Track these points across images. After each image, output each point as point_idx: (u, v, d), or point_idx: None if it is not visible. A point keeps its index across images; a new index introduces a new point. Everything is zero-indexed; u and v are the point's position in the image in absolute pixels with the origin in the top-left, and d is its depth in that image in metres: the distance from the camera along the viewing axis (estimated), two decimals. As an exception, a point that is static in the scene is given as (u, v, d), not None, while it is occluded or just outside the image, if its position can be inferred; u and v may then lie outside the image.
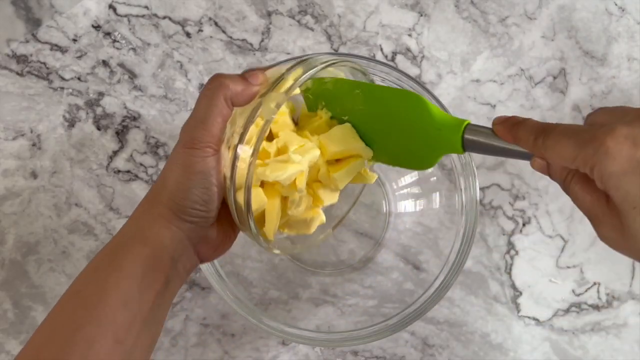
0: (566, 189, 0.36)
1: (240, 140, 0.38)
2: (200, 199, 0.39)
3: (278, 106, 0.38)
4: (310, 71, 0.39)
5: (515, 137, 0.36)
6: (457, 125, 0.38)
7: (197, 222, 0.40)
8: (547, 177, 0.63)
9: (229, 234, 0.44)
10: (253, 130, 0.38)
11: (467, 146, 0.39)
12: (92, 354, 0.36)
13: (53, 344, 0.36)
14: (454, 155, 0.55)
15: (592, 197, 0.34)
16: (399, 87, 0.48)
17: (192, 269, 0.42)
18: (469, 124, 0.38)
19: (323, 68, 0.40)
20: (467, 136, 0.38)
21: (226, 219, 0.42)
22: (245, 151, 0.38)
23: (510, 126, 0.36)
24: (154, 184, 0.41)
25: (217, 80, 0.39)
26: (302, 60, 0.40)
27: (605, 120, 0.33)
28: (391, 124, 0.43)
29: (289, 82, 0.39)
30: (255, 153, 0.38)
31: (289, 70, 0.40)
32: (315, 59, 0.41)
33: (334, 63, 0.41)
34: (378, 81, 0.55)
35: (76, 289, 0.39)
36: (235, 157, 0.38)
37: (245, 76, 0.39)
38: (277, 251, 0.45)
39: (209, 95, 0.38)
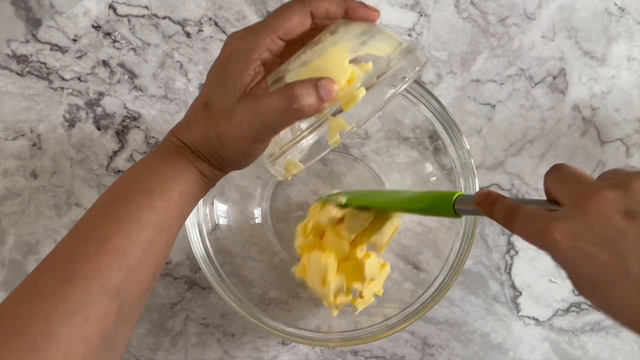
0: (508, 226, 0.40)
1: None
2: (241, 167, 0.42)
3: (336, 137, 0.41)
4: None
5: (492, 215, 0.39)
6: (449, 199, 0.44)
7: (223, 173, 0.43)
8: (547, 177, 0.64)
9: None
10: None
11: (459, 212, 0.44)
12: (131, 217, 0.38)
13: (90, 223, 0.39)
14: (454, 155, 0.55)
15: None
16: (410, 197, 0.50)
17: (214, 184, 0.44)
18: (458, 196, 0.44)
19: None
20: (457, 207, 0.43)
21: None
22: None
23: (487, 205, 0.40)
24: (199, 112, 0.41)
25: (300, 90, 0.38)
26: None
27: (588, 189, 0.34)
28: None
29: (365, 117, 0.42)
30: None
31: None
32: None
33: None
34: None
35: (107, 193, 0.41)
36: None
37: (320, 93, 0.38)
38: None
39: (283, 112, 0.38)
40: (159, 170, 0.40)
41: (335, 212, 0.52)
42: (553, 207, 0.35)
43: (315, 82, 0.38)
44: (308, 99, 0.38)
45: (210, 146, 0.41)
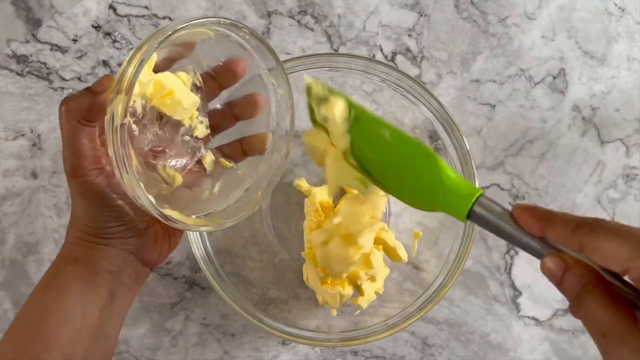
0: (579, 302, 0.31)
1: (116, 163, 0.37)
2: (109, 217, 0.39)
3: (125, 107, 0.36)
4: (146, 50, 0.37)
5: (546, 227, 0.32)
6: (468, 196, 0.35)
7: (123, 236, 0.40)
8: (548, 178, 0.64)
9: (164, 234, 0.43)
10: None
11: (473, 218, 0.35)
12: None
13: None
14: (454, 155, 0.55)
15: (615, 313, 0.30)
16: (415, 139, 0.43)
17: (143, 277, 0.43)
18: (481, 195, 0.35)
19: (162, 41, 0.37)
20: (477, 210, 0.35)
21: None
22: (121, 175, 0.37)
23: (539, 215, 0.32)
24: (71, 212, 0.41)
25: (63, 106, 0.38)
26: (144, 41, 0.38)
27: None
28: (400, 168, 0.41)
29: (128, 73, 0.36)
30: (125, 167, 0.36)
31: (130, 59, 0.37)
32: (161, 30, 0.38)
33: (180, 29, 0.38)
34: (378, 81, 0.55)
35: (22, 313, 0.40)
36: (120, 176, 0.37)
37: (90, 87, 0.38)
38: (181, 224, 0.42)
39: (63, 124, 0.38)
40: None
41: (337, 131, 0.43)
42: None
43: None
44: (74, 102, 0.38)
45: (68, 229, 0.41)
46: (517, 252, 0.62)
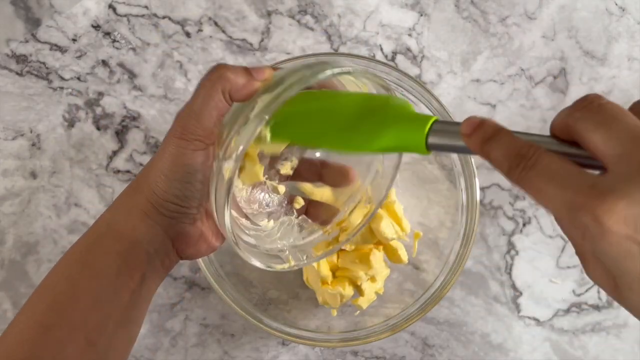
0: (537, 158, 0.28)
1: (225, 155, 0.36)
2: (181, 193, 0.37)
3: (271, 111, 0.34)
4: (307, 79, 0.35)
5: (487, 155, 0.29)
6: (422, 122, 0.33)
7: (176, 217, 0.38)
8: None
9: (210, 236, 0.41)
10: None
11: (431, 148, 0.33)
12: (62, 358, 0.35)
13: (22, 346, 0.35)
14: (454, 155, 0.55)
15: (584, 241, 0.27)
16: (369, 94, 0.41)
17: (172, 266, 0.41)
18: (435, 121, 0.33)
19: (335, 75, 0.35)
20: (431, 140, 0.33)
21: (213, 221, 0.40)
22: (226, 167, 0.36)
23: (481, 140, 0.30)
24: (142, 169, 0.39)
25: (219, 72, 0.36)
26: (318, 63, 0.36)
27: (612, 153, 0.26)
28: (350, 120, 0.38)
29: (286, 85, 0.35)
30: (233, 170, 0.35)
31: (294, 71, 0.36)
32: (333, 62, 0.36)
33: (352, 72, 0.36)
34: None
35: (47, 285, 0.37)
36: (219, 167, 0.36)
37: (249, 70, 0.37)
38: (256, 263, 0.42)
39: (208, 87, 0.36)
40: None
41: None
42: (589, 163, 0.26)
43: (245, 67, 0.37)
44: (232, 74, 0.36)
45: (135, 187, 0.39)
46: (517, 253, 0.62)
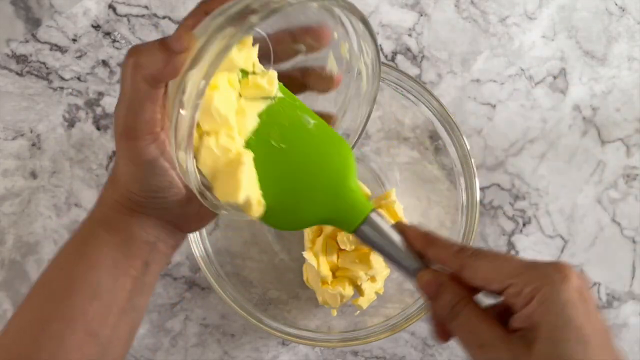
0: (454, 315, 0.32)
1: (176, 143, 0.32)
2: (157, 187, 0.35)
3: (200, 94, 0.30)
4: (242, 29, 0.30)
5: (429, 245, 0.34)
6: (363, 209, 0.34)
7: (166, 206, 0.36)
8: (548, 178, 0.64)
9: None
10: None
11: (358, 232, 0.35)
12: (62, 351, 0.34)
13: (21, 342, 0.35)
14: (454, 155, 0.55)
15: (490, 323, 0.31)
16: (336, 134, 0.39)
17: (179, 243, 0.39)
18: (373, 210, 0.35)
19: (265, 17, 0.30)
20: (364, 228, 0.34)
21: None
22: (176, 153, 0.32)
23: (422, 234, 0.34)
24: (110, 174, 0.37)
25: (132, 59, 0.32)
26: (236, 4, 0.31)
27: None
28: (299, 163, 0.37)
29: (212, 52, 0.30)
30: (188, 149, 0.32)
31: (217, 29, 0.31)
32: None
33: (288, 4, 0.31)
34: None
35: (44, 280, 0.37)
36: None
37: (167, 42, 0.32)
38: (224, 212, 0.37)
39: (126, 79, 0.32)
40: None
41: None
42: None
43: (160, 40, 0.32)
44: (146, 58, 0.32)
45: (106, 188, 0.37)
46: (517, 253, 0.62)
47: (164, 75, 0.32)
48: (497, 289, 0.31)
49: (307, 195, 0.36)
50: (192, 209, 0.38)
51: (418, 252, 0.34)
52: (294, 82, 0.40)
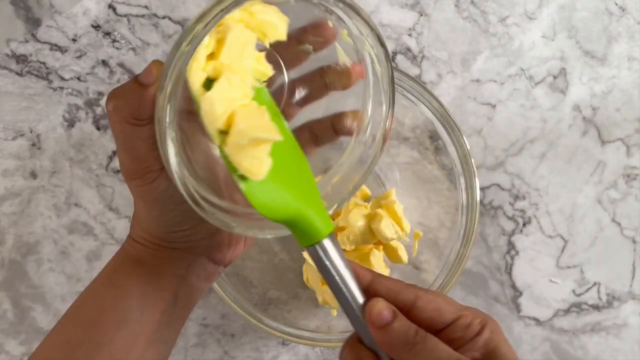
0: (415, 344, 0.32)
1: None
2: (173, 222, 0.35)
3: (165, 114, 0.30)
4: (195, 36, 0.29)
5: (378, 278, 0.33)
6: (324, 226, 0.33)
7: (190, 239, 0.36)
8: (548, 178, 0.64)
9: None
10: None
11: (310, 249, 0.33)
12: None
13: None
14: (454, 155, 0.55)
15: (451, 350, 0.33)
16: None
17: (214, 276, 0.39)
18: (331, 233, 0.33)
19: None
20: (320, 245, 0.33)
21: None
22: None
23: (369, 270, 0.34)
24: (132, 218, 0.38)
25: (110, 105, 0.33)
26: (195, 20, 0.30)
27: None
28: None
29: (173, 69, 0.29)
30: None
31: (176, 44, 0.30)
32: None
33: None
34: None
35: (76, 305, 0.37)
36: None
37: (138, 78, 0.32)
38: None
39: (113, 124, 0.33)
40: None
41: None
42: None
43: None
44: (123, 101, 0.32)
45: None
46: (517, 253, 0.62)
47: (141, 112, 0.32)
48: (449, 319, 0.33)
49: (288, 187, 0.35)
50: (221, 240, 0.38)
51: (365, 288, 0.33)
52: (316, 85, 0.39)
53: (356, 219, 0.52)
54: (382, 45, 0.36)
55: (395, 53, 0.63)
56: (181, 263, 0.37)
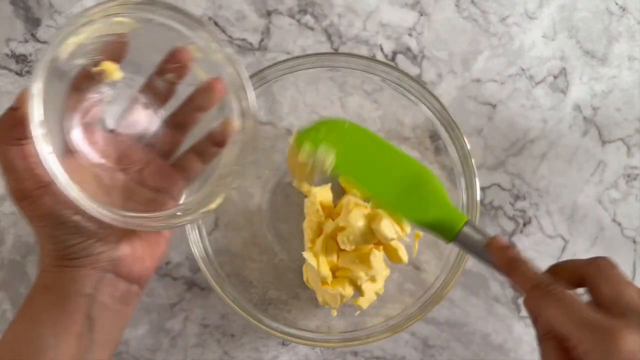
0: (542, 339, 0.37)
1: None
2: (67, 234, 0.36)
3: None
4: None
5: (511, 274, 0.38)
6: (457, 220, 0.41)
7: (90, 253, 0.37)
8: (548, 178, 0.64)
9: (150, 242, 0.40)
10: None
11: (457, 242, 0.42)
12: None
13: None
14: (454, 155, 0.55)
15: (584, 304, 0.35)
16: (413, 159, 0.47)
17: (131, 296, 0.39)
18: (467, 222, 0.41)
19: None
20: (460, 238, 0.41)
21: (138, 234, 0.39)
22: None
23: (507, 259, 0.38)
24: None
25: None
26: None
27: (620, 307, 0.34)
28: (398, 186, 0.45)
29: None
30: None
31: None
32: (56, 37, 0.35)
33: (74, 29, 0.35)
34: (378, 81, 0.55)
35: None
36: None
37: (12, 105, 0.35)
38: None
39: None
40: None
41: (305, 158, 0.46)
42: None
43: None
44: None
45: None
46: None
47: (16, 130, 0.34)
48: (558, 333, 0.35)
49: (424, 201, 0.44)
50: (123, 252, 0.38)
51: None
52: (190, 112, 0.43)
53: (356, 219, 0.52)
54: (217, 41, 0.40)
55: (395, 53, 0.63)
56: (86, 281, 0.37)
